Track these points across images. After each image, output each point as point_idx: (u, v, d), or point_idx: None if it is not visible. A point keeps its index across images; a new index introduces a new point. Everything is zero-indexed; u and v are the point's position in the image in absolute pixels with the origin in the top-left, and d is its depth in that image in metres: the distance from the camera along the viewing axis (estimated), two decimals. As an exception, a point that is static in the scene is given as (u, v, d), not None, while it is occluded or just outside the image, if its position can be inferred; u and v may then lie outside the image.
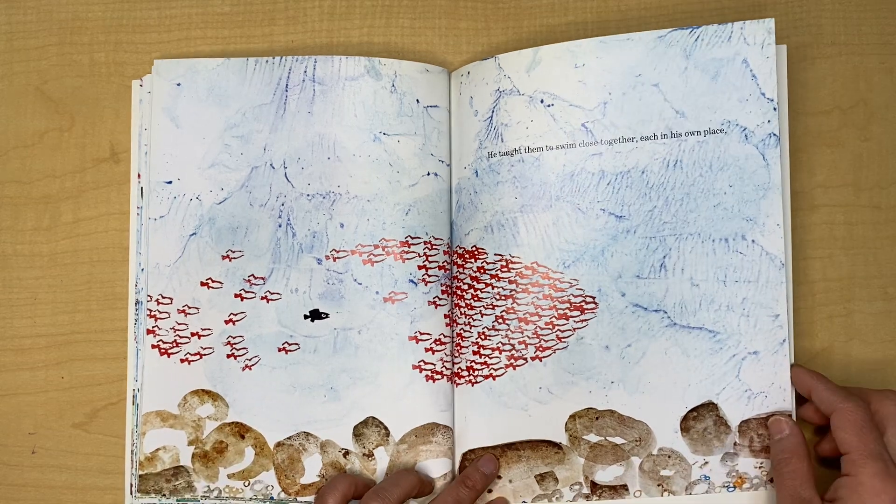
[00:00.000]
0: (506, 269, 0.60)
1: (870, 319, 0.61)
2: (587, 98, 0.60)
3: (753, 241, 0.58)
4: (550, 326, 0.59)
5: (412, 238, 0.60)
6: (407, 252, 0.60)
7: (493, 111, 0.61)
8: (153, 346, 0.61)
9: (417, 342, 0.60)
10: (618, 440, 0.59)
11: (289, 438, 0.60)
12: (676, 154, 0.59)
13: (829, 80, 0.63)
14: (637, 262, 0.59)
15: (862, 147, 0.62)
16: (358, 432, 0.60)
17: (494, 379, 0.60)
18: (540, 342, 0.59)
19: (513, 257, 0.60)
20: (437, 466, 0.59)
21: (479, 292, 0.60)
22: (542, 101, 0.60)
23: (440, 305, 0.60)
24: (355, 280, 0.60)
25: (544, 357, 0.59)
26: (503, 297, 0.60)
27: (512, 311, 0.60)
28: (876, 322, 0.61)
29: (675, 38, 0.59)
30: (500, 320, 0.60)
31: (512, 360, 0.59)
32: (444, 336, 0.60)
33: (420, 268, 0.60)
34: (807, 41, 0.63)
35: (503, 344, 0.60)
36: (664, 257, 0.59)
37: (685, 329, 0.59)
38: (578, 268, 0.59)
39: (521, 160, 0.60)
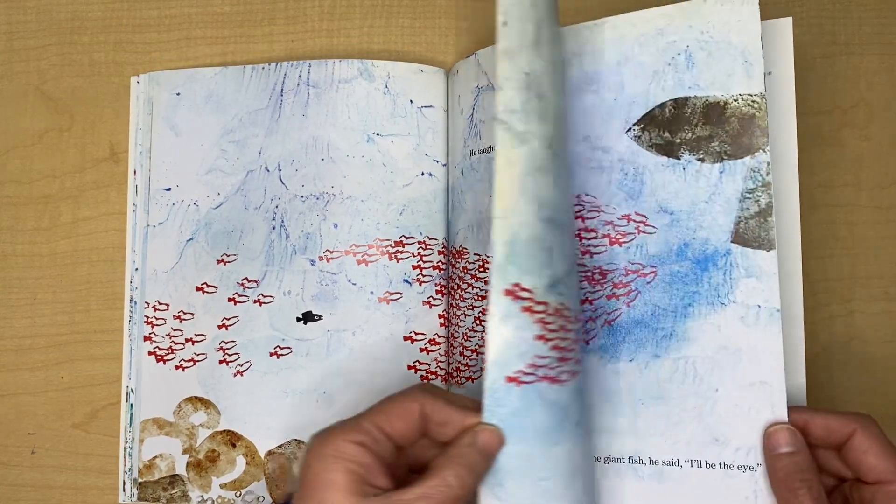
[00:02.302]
0: (482, 270, 0.57)
1: (870, 319, 0.61)
2: None
3: None
4: None
5: (406, 238, 0.60)
6: (401, 252, 0.60)
7: (473, 108, 0.59)
8: (150, 353, 0.61)
9: (412, 342, 0.60)
10: None
11: (280, 446, 0.60)
12: None
13: (829, 80, 0.62)
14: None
15: (862, 147, 0.62)
16: None
17: (473, 381, 0.57)
18: None
19: (488, 257, 0.56)
20: None
21: (463, 293, 0.59)
22: None
23: (434, 305, 0.60)
24: (349, 280, 0.60)
25: None
26: (480, 298, 0.57)
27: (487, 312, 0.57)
28: (876, 322, 0.61)
29: None
30: (478, 321, 0.57)
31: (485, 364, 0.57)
32: (439, 336, 0.60)
33: (414, 267, 0.60)
34: (807, 41, 0.63)
35: (479, 346, 0.57)
36: None
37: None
38: None
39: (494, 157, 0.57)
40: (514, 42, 0.44)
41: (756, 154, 0.49)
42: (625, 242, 0.51)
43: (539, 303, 0.44)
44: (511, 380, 0.44)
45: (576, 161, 0.52)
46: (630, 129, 0.52)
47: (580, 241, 0.52)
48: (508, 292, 0.44)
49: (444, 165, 0.61)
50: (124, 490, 0.60)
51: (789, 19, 0.53)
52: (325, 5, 0.65)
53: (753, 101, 0.50)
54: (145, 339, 0.61)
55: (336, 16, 0.65)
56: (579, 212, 0.52)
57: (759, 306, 0.49)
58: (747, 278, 0.49)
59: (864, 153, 0.62)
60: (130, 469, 0.60)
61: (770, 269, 0.49)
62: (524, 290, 0.44)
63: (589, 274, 0.52)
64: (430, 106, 0.61)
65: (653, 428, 0.50)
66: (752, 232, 0.49)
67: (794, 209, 0.52)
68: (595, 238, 0.52)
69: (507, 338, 0.44)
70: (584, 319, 0.52)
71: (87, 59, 0.65)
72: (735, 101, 0.50)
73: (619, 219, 0.52)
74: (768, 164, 0.49)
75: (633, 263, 0.51)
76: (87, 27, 0.65)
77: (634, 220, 0.51)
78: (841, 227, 0.62)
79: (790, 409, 0.48)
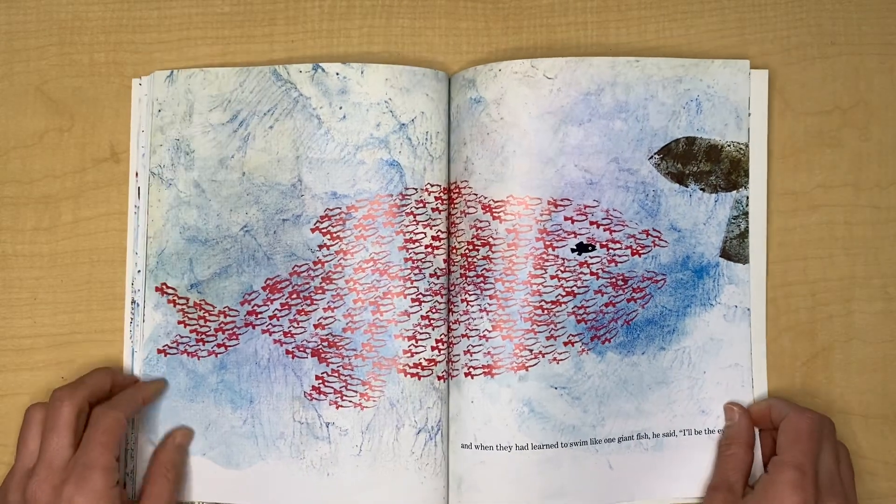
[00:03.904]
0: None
1: (870, 319, 0.61)
2: None
3: None
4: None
5: None
6: None
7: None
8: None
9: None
10: None
11: None
12: None
13: (829, 80, 0.63)
14: None
15: (862, 147, 0.62)
16: None
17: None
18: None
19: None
20: None
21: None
22: None
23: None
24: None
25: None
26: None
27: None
28: (876, 322, 0.61)
29: None
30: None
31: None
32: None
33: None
34: (807, 41, 0.63)
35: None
36: None
37: None
38: None
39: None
40: (165, 121, 0.61)
41: (740, 190, 0.61)
42: (643, 253, 0.61)
43: (181, 297, 0.60)
44: (160, 351, 0.61)
45: (605, 178, 0.60)
46: (652, 156, 0.61)
47: (607, 251, 0.60)
48: (158, 289, 0.61)
49: None
50: (125, 489, 0.60)
51: (765, 72, 0.62)
52: (325, 5, 0.65)
53: (740, 148, 0.61)
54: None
55: (336, 16, 0.65)
56: (608, 225, 0.60)
57: (736, 306, 0.61)
58: (729, 284, 0.61)
59: (864, 153, 0.62)
60: (132, 470, 0.60)
61: (745, 278, 0.61)
62: (170, 288, 0.61)
63: (613, 280, 0.60)
64: None
65: (656, 407, 0.60)
66: (734, 249, 0.61)
67: (763, 230, 0.61)
68: (620, 249, 0.60)
69: (158, 321, 0.61)
70: (607, 321, 0.60)
71: (87, 59, 0.65)
72: (728, 146, 0.61)
73: (639, 233, 0.61)
74: (748, 198, 0.61)
75: (648, 272, 0.61)
76: (87, 27, 0.65)
77: (652, 235, 0.61)
78: (840, 227, 0.62)
79: (769, 399, 0.60)
